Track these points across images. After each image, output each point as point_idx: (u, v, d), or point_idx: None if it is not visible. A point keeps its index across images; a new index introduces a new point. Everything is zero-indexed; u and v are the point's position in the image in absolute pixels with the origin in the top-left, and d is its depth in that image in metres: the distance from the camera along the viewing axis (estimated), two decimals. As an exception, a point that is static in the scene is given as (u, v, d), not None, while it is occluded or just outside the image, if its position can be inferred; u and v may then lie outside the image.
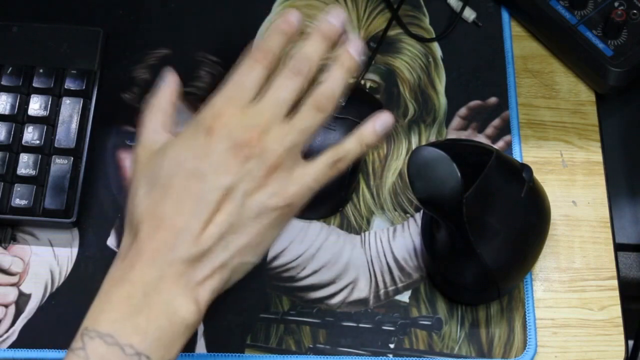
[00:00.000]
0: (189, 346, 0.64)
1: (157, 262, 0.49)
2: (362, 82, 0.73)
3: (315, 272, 0.67)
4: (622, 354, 0.65)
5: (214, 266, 0.50)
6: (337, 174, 0.53)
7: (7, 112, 0.68)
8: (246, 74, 0.53)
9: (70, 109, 0.69)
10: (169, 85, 0.56)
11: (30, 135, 0.68)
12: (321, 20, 0.55)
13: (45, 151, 0.68)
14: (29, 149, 0.67)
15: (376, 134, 0.54)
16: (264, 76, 0.53)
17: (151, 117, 0.55)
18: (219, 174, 0.50)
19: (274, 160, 0.51)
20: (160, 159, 0.52)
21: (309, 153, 0.67)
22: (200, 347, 0.64)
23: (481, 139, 0.71)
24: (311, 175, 0.52)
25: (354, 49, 0.54)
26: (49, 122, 0.68)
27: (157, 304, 0.48)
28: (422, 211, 0.68)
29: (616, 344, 0.65)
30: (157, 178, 0.51)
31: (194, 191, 0.50)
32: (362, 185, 0.70)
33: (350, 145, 0.54)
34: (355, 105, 0.69)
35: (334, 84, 0.53)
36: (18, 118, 0.68)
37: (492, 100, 0.73)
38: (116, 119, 0.72)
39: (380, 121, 0.55)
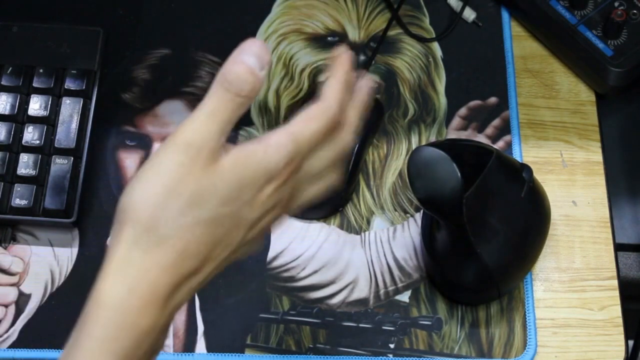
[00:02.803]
0: (189, 346, 0.64)
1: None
2: (362, 82, 0.73)
3: (315, 272, 0.67)
4: (622, 354, 0.65)
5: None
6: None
7: (7, 112, 0.68)
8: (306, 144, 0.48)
9: (70, 109, 0.69)
10: (262, 78, 0.46)
11: (30, 135, 0.68)
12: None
13: (45, 151, 0.68)
14: (29, 149, 0.67)
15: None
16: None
17: (226, 115, 0.45)
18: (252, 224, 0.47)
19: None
20: (220, 174, 0.46)
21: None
22: (200, 347, 0.64)
23: (481, 139, 0.71)
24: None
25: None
26: (49, 122, 0.68)
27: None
28: (422, 211, 0.68)
29: (616, 344, 0.65)
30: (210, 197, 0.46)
31: (231, 235, 0.47)
32: (362, 185, 0.70)
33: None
34: (355, 105, 0.69)
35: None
36: (18, 118, 0.68)
37: (492, 100, 0.73)
38: (116, 119, 0.72)
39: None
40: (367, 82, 0.50)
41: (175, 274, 0.43)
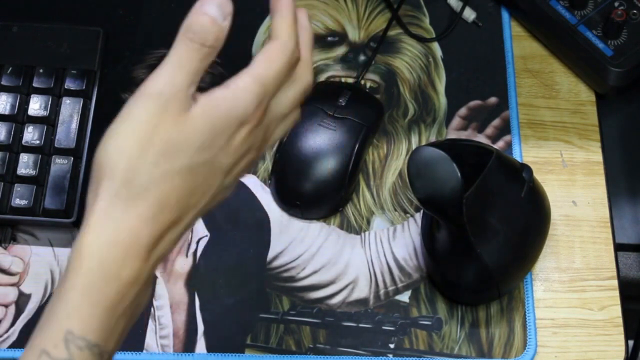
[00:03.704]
0: (189, 346, 0.64)
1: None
2: (362, 82, 0.73)
3: (315, 272, 0.67)
4: (622, 354, 0.65)
5: None
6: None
7: (7, 112, 0.68)
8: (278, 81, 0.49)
9: (70, 109, 0.69)
10: (227, 25, 0.46)
11: (30, 135, 0.68)
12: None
13: (45, 151, 0.68)
14: (29, 149, 0.67)
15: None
16: None
17: (193, 60, 0.46)
18: (229, 168, 0.48)
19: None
20: (192, 124, 0.46)
21: (313, 153, 0.67)
22: (200, 347, 0.64)
23: (481, 139, 0.71)
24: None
25: None
26: (49, 122, 0.68)
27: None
28: (422, 211, 0.68)
29: (616, 344, 0.65)
30: (188, 146, 0.47)
31: (213, 184, 0.48)
32: (362, 185, 0.70)
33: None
34: (355, 105, 0.69)
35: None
36: (18, 118, 0.68)
37: (492, 100, 0.73)
38: (116, 119, 0.72)
39: None
40: (304, 16, 0.50)
41: (156, 225, 0.43)
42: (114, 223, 0.43)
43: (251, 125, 0.45)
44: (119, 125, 0.44)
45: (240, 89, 0.45)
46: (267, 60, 0.46)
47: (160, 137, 0.43)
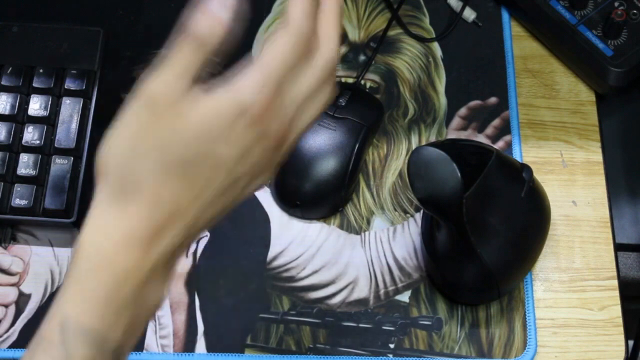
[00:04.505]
0: (189, 346, 0.64)
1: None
2: (362, 82, 0.73)
3: (315, 272, 0.67)
4: (622, 354, 0.65)
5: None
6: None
7: (7, 112, 0.68)
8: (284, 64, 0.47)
9: (70, 109, 0.69)
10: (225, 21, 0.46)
11: (30, 135, 0.68)
12: None
13: (45, 151, 0.68)
14: (29, 149, 0.67)
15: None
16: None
17: (190, 59, 0.47)
18: (239, 156, 0.46)
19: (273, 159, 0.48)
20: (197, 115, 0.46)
21: (313, 153, 0.67)
22: (200, 347, 0.64)
23: (481, 139, 0.71)
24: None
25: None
26: (49, 122, 0.68)
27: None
28: (422, 211, 0.68)
29: (616, 344, 0.65)
30: (183, 135, 0.46)
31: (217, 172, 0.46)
32: (362, 185, 0.70)
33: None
34: (355, 105, 0.69)
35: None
36: (18, 118, 0.68)
37: (492, 100, 0.73)
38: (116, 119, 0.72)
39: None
40: None
41: (152, 216, 0.43)
42: (109, 216, 0.43)
43: (254, 113, 0.44)
44: (114, 127, 0.45)
45: (239, 78, 0.44)
46: (271, 44, 0.45)
47: (152, 133, 0.43)
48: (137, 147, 0.43)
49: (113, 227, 0.43)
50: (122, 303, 0.43)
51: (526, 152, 0.71)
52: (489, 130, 0.72)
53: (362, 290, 0.66)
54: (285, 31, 0.45)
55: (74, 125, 0.69)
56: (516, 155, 0.70)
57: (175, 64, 0.45)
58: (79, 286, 0.43)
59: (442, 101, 0.73)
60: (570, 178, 0.70)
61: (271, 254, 0.67)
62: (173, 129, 0.43)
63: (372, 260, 0.67)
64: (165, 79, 0.44)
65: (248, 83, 0.44)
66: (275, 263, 0.67)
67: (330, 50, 0.47)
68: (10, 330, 0.65)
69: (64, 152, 0.68)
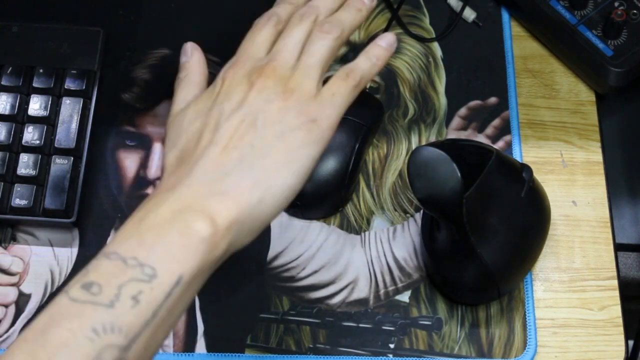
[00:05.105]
0: (189, 346, 0.64)
1: (175, 190, 0.48)
2: (362, 82, 0.73)
3: (315, 272, 0.67)
4: (622, 354, 0.65)
5: (240, 186, 0.48)
6: (356, 93, 0.53)
7: (7, 112, 0.68)
8: (254, 34, 0.54)
9: (70, 109, 0.69)
10: (195, 57, 0.57)
11: (30, 135, 0.68)
12: None
13: (45, 151, 0.68)
14: (29, 149, 0.67)
15: (381, 47, 0.55)
16: (273, 34, 0.54)
17: (181, 90, 0.55)
18: (232, 100, 0.51)
19: (290, 82, 0.51)
20: (182, 115, 0.52)
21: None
22: (200, 347, 0.64)
23: (481, 139, 0.71)
24: (329, 89, 0.52)
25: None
26: (49, 122, 0.68)
27: (167, 221, 0.46)
28: (422, 211, 0.68)
29: (616, 344, 0.65)
30: (179, 129, 0.52)
31: (211, 123, 0.50)
32: (362, 185, 0.70)
33: (359, 60, 0.54)
34: (355, 105, 0.69)
35: (341, 13, 0.55)
36: (18, 118, 0.68)
37: (492, 100, 0.73)
38: (116, 119, 0.72)
39: (384, 39, 0.55)
40: None
41: (166, 161, 0.52)
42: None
43: (236, 66, 0.53)
44: None
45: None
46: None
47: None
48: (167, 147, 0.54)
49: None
50: (149, 224, 0.47)
51: (526, 152, 0.71)
52: (489, 130, 0.72)
53: (362, 290, 0.66)
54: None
55: (74, 125, 0.69)
56: (516, 155, 0.70)
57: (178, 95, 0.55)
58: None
59: (442, 101, 0.73)
60: (570, 178, 0.70)
61: (271, 254, 0.67)
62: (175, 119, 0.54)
63: (372, 260, 0.67)
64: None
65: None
66: (275, 263, 0.67)
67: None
68: (10, 330, 0.65)
69: (64, 152, 0.68)
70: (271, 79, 0.51)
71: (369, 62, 0.54)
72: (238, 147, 0.49)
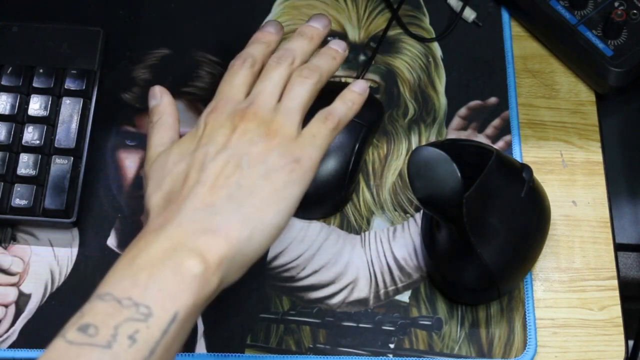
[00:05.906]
0: (189, 346, 0.64)
1: (165, 229, 0.49)
2: (362, 82, 0.73)
3: (315, 272, 0.67)
4: (622, 354, 0.65)
5: (229, 223, 0.49)
6: (335, 135, 0.55)
7: (7, 112, 0.68)
8: (232, 77, 0.56)
9: (70, 109, 0.69)
10: (165, 100, 0.58)
11: (30, 135, 0.68)
12: (303, 24, 0.59)
13: (45, 151, 0.68)
14: (29, 149, 0.67)
15: (356, 93, 0.57)
16: (250, 76, 0.56)
17: (155, 134, 0.56)
18: (216, 142, 0.52)
19: (273, 124, 0.53)
20: (164, 156, 0.54)
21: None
22: (200, 347, 0.64)
23: (481, 139, 0.71)
24: (310, 131, 0.54)
25: (337, 45, 0.59)
26: (49, 122, 0.68)
27: (159, 260, 0.47)
28: (422, 211, 0.68)
29: (616, 344, 0.65)
30: (163, 171, 0.53)
31: (196, 164, 0.51)
32: (362, 185, 0.70)
33: (336, 104, 0.56)
34: (355, 105, 0.69)
35: (318, 60, 0.57)
36: (18, 118, 0.68)
37: (492, 100, 0.73)
38: (116, 119, 0.72)
39: (357, 85, 0.58)
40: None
41: (151, 205, 0.53)
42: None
43: (217, 110, 0.54)
44: None
45: None
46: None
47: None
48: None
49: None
50: (142, 265, 0.48)
51: (526, 152, 0.71)
52: (489, 130, 0.72)
53: (362, 290, 0.66)
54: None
55: (74, 125, 0.69)
56: (516, 155, 0.70)
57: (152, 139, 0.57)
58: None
59: (442, 101, 0.73)
60: (570, 178, 0.70)
61: (271, 253, 0.67)
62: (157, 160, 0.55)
63: (372, 260, 0.67)
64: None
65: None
66: (275, 263, 0.67)
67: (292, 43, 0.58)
68: (10, 330, 0.65)
69: (64, 152, 0.68)
70: (254, 122, 0.52)
71: (345, 106, 0.56)
72: (225, 186, 0.50)
